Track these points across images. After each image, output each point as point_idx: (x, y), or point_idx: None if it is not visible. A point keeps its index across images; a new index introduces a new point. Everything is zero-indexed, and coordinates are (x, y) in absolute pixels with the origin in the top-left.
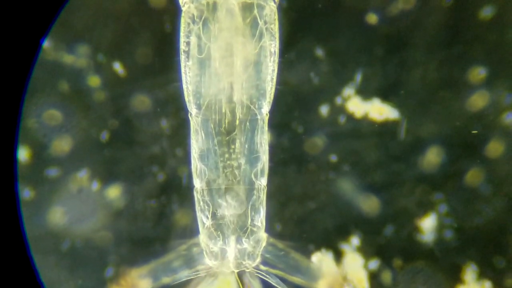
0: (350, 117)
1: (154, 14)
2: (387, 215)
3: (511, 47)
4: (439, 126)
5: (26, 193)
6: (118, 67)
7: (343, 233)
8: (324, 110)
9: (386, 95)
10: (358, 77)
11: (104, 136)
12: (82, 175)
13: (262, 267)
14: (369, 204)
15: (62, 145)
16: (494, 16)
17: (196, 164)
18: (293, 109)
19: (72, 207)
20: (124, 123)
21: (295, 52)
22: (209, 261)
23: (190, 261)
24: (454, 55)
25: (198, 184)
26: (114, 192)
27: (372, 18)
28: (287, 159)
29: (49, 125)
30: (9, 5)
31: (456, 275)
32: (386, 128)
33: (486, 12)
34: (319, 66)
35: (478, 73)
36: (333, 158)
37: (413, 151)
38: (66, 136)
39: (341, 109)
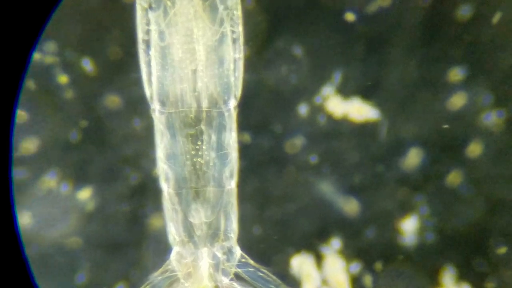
0: (330, 117)
1: (126, 10)
2: (368, 217)
3: (488, 47)
4: (419, 126)
5: None
6: (87, 64)
7: (323, 236)
8: (303, 110)
9: (366, 95)
10: (337, 76)
11: (74, 136)
12: (51, 177)
13: (235, 285)
14: (349, 206)
15: (28, 145)
16: (471, 15)
17: (162, 166)
18: (271, 108)
19: (41, 210)
20: (95, 123)
21: (272, 50)
22: (183, 280)
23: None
24: (433, 55)
25: (165, 188)
26: (85, 194)
27: (350, 16)
28: (265, 160)
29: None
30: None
31: (436, 278)
32: (366, 129)
33: (464, 12)
34: (297, 65)
35: (457, 73)
36: (313, 159)
37: (393, 152)
38: (32, 136)
39: (320, 109)
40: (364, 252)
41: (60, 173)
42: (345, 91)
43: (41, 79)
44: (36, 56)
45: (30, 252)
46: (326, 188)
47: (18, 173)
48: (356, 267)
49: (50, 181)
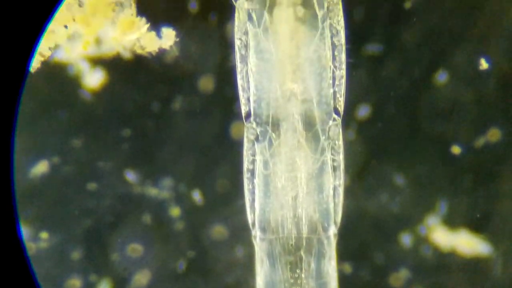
0: (436, 250)
1: (234, 145)
2: None
3: None
4: None
5: None
6: (197, 196)
7: None
8: (406, 240)
9: (475, 228)
10: (443, 207)
11: (182, 266)
12: None
13: None
14: None
15: (141, 278)
16: None
17: None
18: (372, 237)
19: None
20: (201, 253)
21: (372, 178)
22: None
23: None
24: None
25: None
26: None
27: (456, 149)
28: None
29: (130, 258)
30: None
31: None
32: (477, 264)
33: None
34: (399, 193)
35: None
36: None
37: None
38: (145, 268)
39: (425, 240)
40: None
41: None
42: (451, 223)
43: (156, 213)
44: (153, 191)
45: None
46: None
47: None
48: None
49: None
